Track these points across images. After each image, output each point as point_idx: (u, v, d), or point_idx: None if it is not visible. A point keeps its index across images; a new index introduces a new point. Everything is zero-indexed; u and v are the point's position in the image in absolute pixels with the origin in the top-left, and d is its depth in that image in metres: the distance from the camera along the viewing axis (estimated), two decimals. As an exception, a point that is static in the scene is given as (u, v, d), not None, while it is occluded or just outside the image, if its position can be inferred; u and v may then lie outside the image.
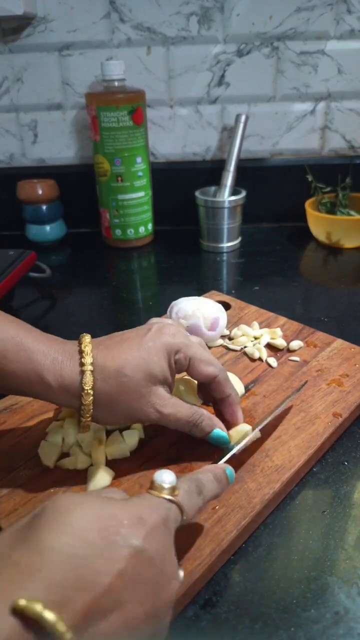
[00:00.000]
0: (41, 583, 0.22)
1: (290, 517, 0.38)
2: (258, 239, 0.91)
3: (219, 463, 0.36)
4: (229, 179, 0.85)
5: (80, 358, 0.36)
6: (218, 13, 0.82)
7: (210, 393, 0.42)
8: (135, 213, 0.86)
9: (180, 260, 0.84)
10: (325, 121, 0.90)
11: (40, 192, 0.86)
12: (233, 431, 0.42)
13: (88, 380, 0.36)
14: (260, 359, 0.54)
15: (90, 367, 0.36)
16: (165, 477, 0.30)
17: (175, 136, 0.92)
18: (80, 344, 0.37)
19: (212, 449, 0.42)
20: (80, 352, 0.36)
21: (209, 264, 0.83)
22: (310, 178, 0.88)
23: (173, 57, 0.85)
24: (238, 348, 0.56)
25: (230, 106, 0.89)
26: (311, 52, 0.85)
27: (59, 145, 0.93)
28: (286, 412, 0.46)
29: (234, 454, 0.38)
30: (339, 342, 0.55)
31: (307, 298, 0.71)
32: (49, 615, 0.21)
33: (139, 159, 0.83)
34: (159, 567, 0.25)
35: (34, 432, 0.45)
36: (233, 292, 0.73)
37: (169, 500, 0.29)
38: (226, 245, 0.86)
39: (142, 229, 0.88)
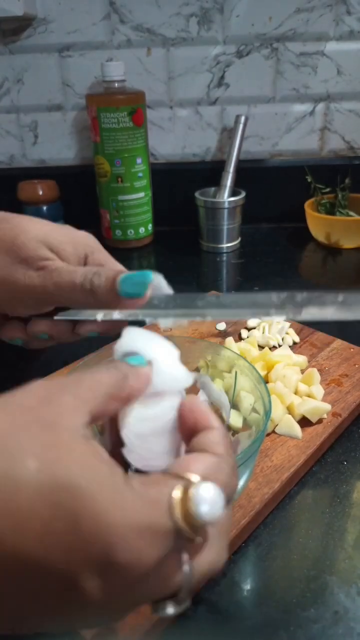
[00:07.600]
0: None
1: (289, 517, 0.38)
2: (258, 240, 0.91)
3: None
4: (228, 179, 0.85)
5: None
6: (218, 14, 0.82)
7: None
8: (135, 214, 0.86)
9: (180, 260, 0.84)
10: (324, 122, 0.90)
11: (40, 192, 0.86)
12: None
13: None
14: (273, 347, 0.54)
15: None
16: (205, 507, 0.19)
17: (175, 137, 0.92)
18: None
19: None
20: None
21: (209, 265, 0.83)
22: (309, 179, 0.88)
23: (173, 58, 0.85)
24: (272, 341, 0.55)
25: (230, 107, 0.89)
26: (310, 53, 0.85)
27: (59, 146, 0.93)
28: None
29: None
30: (338, 343, 0.55)
31: (307, 298, 0.71)
32: None
33: (139, 160, 0.83)
34: None
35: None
36: (233, 292, 0.73)
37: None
38: (226, 245, 0.86)
39: (142, 230, 0.88)
